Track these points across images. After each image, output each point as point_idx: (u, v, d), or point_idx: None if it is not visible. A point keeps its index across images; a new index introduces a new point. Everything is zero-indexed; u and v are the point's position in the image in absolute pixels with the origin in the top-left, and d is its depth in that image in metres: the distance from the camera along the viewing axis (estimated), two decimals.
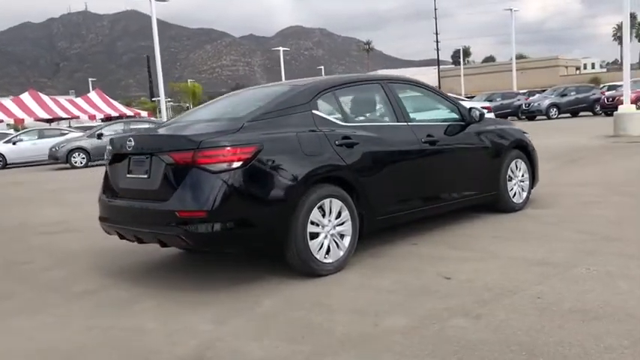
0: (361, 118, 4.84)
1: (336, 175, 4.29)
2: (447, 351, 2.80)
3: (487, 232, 5.21)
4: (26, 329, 3.62)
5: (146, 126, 18.87)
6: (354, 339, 3.05)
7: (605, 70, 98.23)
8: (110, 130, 19.48)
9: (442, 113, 5.51)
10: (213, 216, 3.76)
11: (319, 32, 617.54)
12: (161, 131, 4.56)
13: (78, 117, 35.66)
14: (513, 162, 5.97)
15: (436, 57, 71.53)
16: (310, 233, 4.09)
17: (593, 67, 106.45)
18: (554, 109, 29.12)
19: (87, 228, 7.06)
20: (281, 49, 42.10)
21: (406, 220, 4.97)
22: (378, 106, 5.00)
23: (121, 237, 4.48)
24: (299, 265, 4.10)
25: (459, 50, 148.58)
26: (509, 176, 5.88)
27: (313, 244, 4.12)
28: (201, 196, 3.78)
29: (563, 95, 29.73)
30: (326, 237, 4.21)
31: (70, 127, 31.29)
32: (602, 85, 33.43)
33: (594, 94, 29.18)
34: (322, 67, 72.10)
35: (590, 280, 3.67)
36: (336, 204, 4.27)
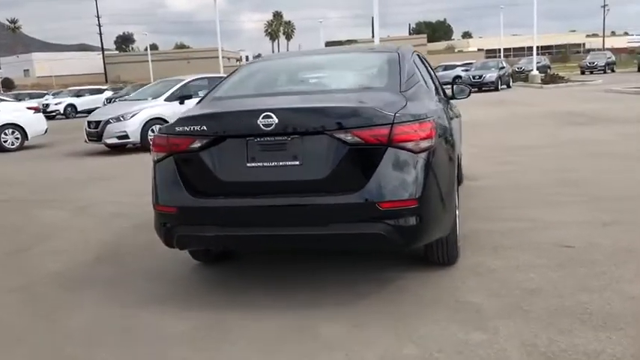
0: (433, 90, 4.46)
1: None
2: None
3: (493, 204, 5.42)
4: None
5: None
6: None
7: None
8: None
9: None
10: (424, 205, 3.06)
11: None
12: (308, 105, 3.32)
13: None
14: None
15: (90, 42, 68.31)
16: None
17: (247, 58, 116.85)
18: None
19: None
20: None
21: None
22: (431, 78, 4.69)
23: (221, 246, 3.33)
24: (444, 253, 3.63)
25: (121, 36, 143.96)
26: None
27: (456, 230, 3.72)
28: (409, 182, 3.04)
29: None
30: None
31: None
32: None
33: None
34: None
35: None
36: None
